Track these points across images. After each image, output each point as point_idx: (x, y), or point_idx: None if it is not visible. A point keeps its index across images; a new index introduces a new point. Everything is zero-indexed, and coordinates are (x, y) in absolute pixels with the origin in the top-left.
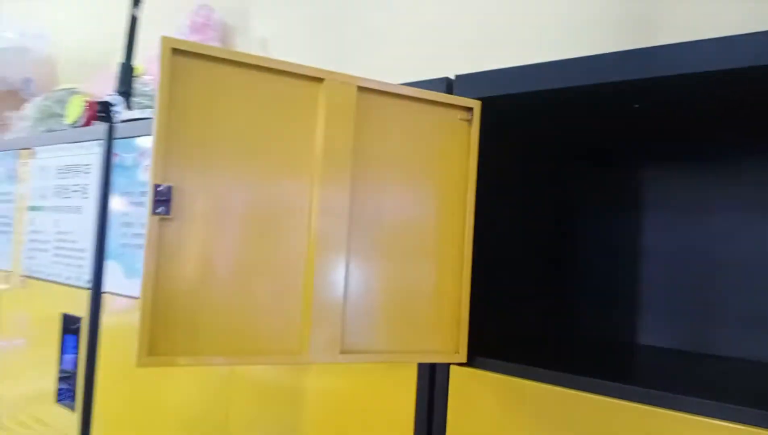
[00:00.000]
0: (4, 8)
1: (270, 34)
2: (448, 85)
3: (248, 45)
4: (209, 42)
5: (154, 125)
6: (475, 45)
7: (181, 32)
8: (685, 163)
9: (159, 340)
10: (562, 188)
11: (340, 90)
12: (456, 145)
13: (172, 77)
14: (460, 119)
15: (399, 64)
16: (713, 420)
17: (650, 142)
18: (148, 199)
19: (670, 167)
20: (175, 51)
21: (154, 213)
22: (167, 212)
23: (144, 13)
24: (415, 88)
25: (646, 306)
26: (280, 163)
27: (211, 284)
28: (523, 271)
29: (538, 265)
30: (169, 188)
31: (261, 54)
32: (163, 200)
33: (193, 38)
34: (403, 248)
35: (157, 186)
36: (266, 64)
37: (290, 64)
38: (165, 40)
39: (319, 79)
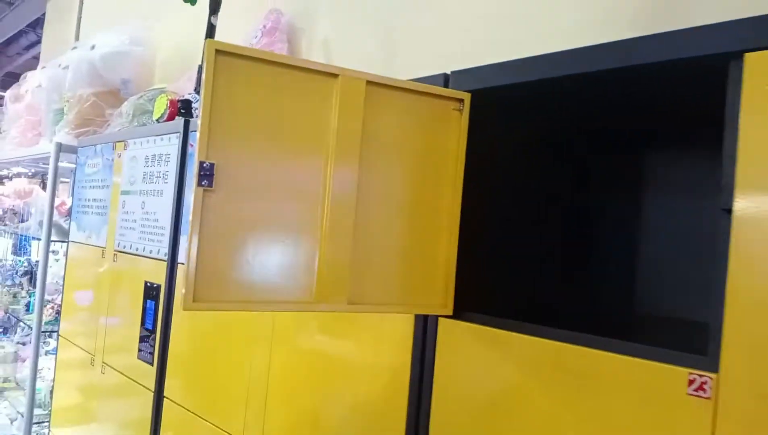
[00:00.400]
0: (107, 19)
1: (332, 35)
2: (445, 80)
3: (312, 45)
4: (277, 43)
5: (200, 112)
6: (512, 40)
7: (254, 35)
8: (686, 149)
9: (201, 290)
10: (570, 169)
11: (352, 84)
12: (449, 131)
13: (215, 73)
14: (453, 109)
15: (444, 58)
16: (643, 360)
17: (653, 128)
18: (194, 174)
19: (674, 153)
20: (218, 52)
21: (199, 185)
22: (210, 185)
23: (224, 20)
24: (416, 82)
25: (644, 278)
26: (302, 145)
27: (244, 244)
28: (526, 243)
29: (542, 240)
30: (212, 165)
31: (323, 53)
32: (206, 175)
33: (264, 41)
34: (402, 218)
35: (202, 163)
36: (291, 62)
37: (310, 62)
38: (209, 43)
39: (335, 75)
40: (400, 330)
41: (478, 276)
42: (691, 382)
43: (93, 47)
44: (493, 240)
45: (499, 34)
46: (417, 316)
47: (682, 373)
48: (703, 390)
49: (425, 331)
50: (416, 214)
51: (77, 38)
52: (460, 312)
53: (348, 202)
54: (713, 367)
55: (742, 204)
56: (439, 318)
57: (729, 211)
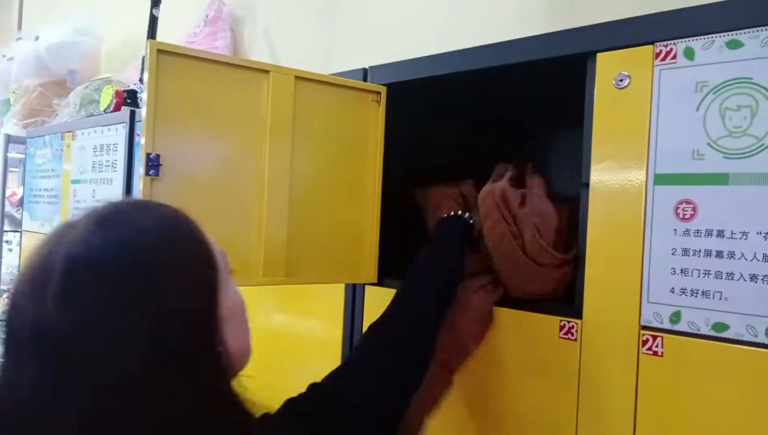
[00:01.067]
0: (50, 7)
1: (273, 25)
2: (364, 74)
3: (254, 34)
4: (220, 32)
5: (145, 108)
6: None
7: (198, 25)
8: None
9: None
10: (481, 150)
11: (282, 79)
12: (369, 120)
13: (157, 71)
14: (372, 100)
15: (386, 47)
16: (528, 312)
17: (551, 114)
18: (141, 165)
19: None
20: (160, 51)
21: (146, 175)
22: (157, 174)
23: (166, 10)
24: (338, 77)
25: None
26: (239, 134)
27: None
28: None
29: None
30: (158, 156)
31: (265, 42)
32: (153, 165)
33: (207, 30)
34: (331, 197)
35: (148, 154)
36: (226, 60)
37: (243, 60)
38: (151, 43)
39: (266, 71)
40: (335, 299)
41: (400, 247)
42: (561, 327)
43: (37, 38)
44: (413, 215)
45: (427, 27)
46: (347, 285)
47: (555, 320)
48: (571, 334)
49: (354, 298)
50: (343, 194)
51: (20, 27)
52: (383, 279)
53: (283, 186)
54: (579, 314)
55: (596, 178)
56: (366, 286)
57: (587, 184)
